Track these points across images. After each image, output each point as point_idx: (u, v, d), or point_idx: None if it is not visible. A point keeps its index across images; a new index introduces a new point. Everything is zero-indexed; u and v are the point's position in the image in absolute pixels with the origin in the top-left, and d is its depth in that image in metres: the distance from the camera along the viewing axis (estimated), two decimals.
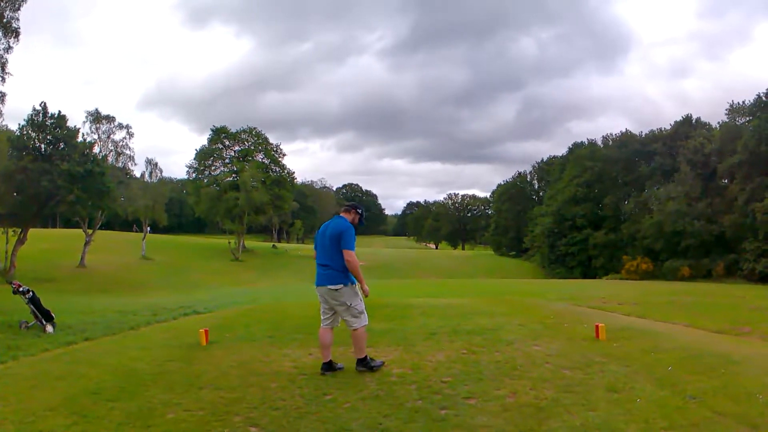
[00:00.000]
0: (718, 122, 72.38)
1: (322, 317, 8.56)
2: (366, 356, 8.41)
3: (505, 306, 17.29)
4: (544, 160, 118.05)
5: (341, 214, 8.65)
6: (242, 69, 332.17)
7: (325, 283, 8.26)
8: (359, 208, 8.83)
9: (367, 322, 8.42)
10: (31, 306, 13.77)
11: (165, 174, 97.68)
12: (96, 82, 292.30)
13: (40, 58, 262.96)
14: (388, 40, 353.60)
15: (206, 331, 10.93)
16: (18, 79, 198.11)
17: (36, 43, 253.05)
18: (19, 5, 35.40)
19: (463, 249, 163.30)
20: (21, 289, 13.85)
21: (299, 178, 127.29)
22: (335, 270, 8.21)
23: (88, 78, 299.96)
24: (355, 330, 8.31)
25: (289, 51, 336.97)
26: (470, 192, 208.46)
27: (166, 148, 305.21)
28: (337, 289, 8.18)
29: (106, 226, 79.58)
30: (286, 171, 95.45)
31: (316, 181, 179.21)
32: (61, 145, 52.84)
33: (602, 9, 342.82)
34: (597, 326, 10.62)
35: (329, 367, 8.36)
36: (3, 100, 36.74)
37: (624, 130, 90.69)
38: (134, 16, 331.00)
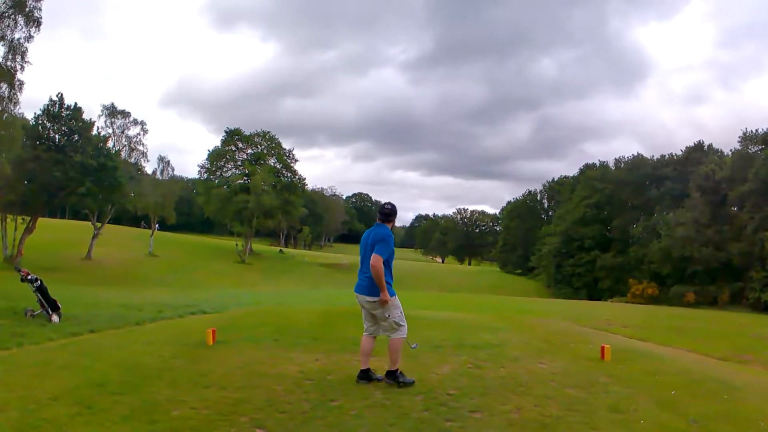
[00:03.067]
0: (731, 150, 72.29)
1: (364, 325, 8.44)
2: (397, 370, 8.15)
3: (510, 323, 17.29)
4: (555, 180, 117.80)
5: (383, 223, 8.32)
6: (265, 73, 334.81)
7: (363, 293, 8.10)
8: (395, 214, 8.56)
9: (405, 335, 8.19)
10: (38, 295, 13.81)
11: (178, 172, 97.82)
12: (119, 77, 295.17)
13: (67, 49, 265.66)
14: (410, 53, 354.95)
15: (213, 331, 10.94)
16: (44, 69, 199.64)
17: (64, 35, 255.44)
18: None
19: (469, 264, 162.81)
20: (29, 277, 13.90)
21: (310, 185, 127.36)
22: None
23: (111, 72, 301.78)
24: (392, 340, 8.15)
25: (313, 58, 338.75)
26: (480, 208, 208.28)
27: (183, 146, 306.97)
28: (374, 301, 8.00)
29: (115, 220, 79.73)
30: (297, 177, 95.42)
31: (326, 189, 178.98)
32: (75, 137, 53.27)
33: (623, 34, 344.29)
34: (603, 347, 10.62)
35: (365, 375, 8.26)
36: (21, 89, 36.95)
37: (636, 154, 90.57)
38: (163, 14, 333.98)
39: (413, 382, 8.14)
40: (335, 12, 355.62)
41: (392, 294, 8.06)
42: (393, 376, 8.09)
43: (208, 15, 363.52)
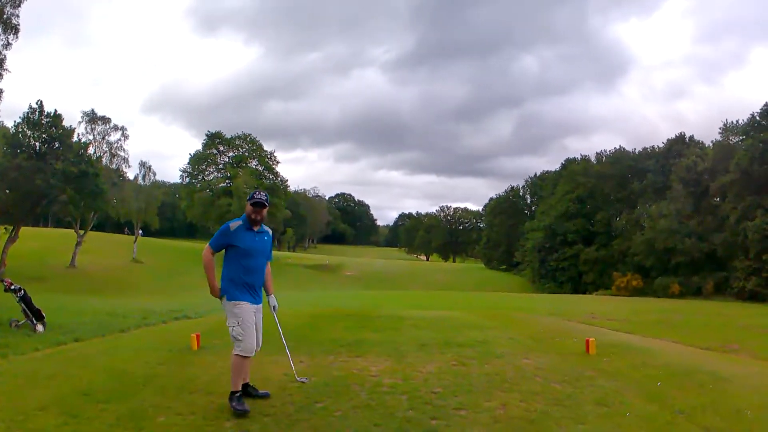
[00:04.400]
0: (712, 141, 72.72)
1: None
2: (236, 392, 6.85)
3: (495, 319, 17.36)
4: (537, 175, 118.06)
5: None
6: (248, 76, 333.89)
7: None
8: (249, 199, 7.44)
9: (247, 354, 6.92)
10: (22, 305, 13.74)
11: (163, 178, 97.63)
12: (102, 84, 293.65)
13: (51, 57, 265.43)
14: (393, 53, 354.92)
15: (197, 336, 10.93)
16: (27, 77, 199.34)
17: (47, 43, 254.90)
18: (20, 2, 35.56)
19: (453, 261, 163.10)
20: (12, 287, 13.83)
21: (293, 187, 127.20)
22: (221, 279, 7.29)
23: (95, 79, 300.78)
24: (231, 355, 7.01)
25: (296, 60, 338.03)
26: (463, 205, 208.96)
27: (167, 152, 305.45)
28: (220, 300, 7.23)
29: (98, 227, 79.46)
30: (279, 179, 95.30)
31: (309, 190, 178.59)
32: (56, 145, 53.09)
33: (604, 31, 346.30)
34: (587, 341, 10.68)
35: (244, 390, 7.09)
36: (0, 97, 36.78)
37: (618, 147, 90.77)
38: (145, 20, 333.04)
39: (248, 412, 6.60)
40: (318, 14, 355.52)
41: (233, 297, 7.08)
42: (231, 397, 6.82)
43: (191, 20, 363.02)
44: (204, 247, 7.43)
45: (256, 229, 7.37)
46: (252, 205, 7.28)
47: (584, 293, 72.99)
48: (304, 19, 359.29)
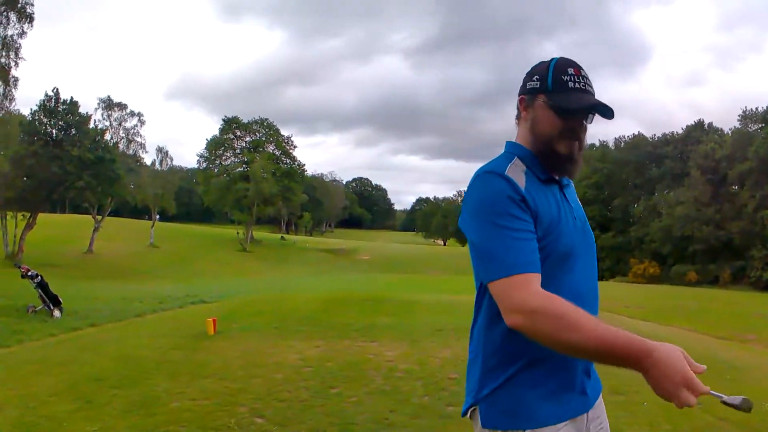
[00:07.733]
0: (730, 128, 71.95)
1: None
2: None
3: None
4: None
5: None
6: (271, 61, 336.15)
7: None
8: (536, 75, 2.07)
9: None
10: (39, 290, 13.82)
11: (183, 163, 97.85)
12: (125, 72, 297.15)
13: (74, 45, 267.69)
14: (413, 39, 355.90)
15: (214, 321, 10.91)
16: (46, 65, 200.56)
17: (69, 31, 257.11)
18: None
19: None
20: (30, 273, 13.91)
21: (311, 171, 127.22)
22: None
23: (117, 66, 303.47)
24: None
25: (318, 46, 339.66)
26: None
27: (189, 138, 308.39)
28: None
29: (115, 212, 79.61)
30: (296, 163, 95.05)
31: (326, 174, 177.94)
32: (73, 131, 53.30)
33: (624, 18, 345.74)
34: None
35: None
36: (15, 85, 36.88)
37: (636, 133, 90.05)
38: (172, 5, 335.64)
39: None
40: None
41: (519, 412, 1.72)
42: None
43: (216, 5, 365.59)
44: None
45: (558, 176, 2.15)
46: (570, 112, 2.00)
47: (601, 280, 71.81)
48: (327, 4, 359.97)
